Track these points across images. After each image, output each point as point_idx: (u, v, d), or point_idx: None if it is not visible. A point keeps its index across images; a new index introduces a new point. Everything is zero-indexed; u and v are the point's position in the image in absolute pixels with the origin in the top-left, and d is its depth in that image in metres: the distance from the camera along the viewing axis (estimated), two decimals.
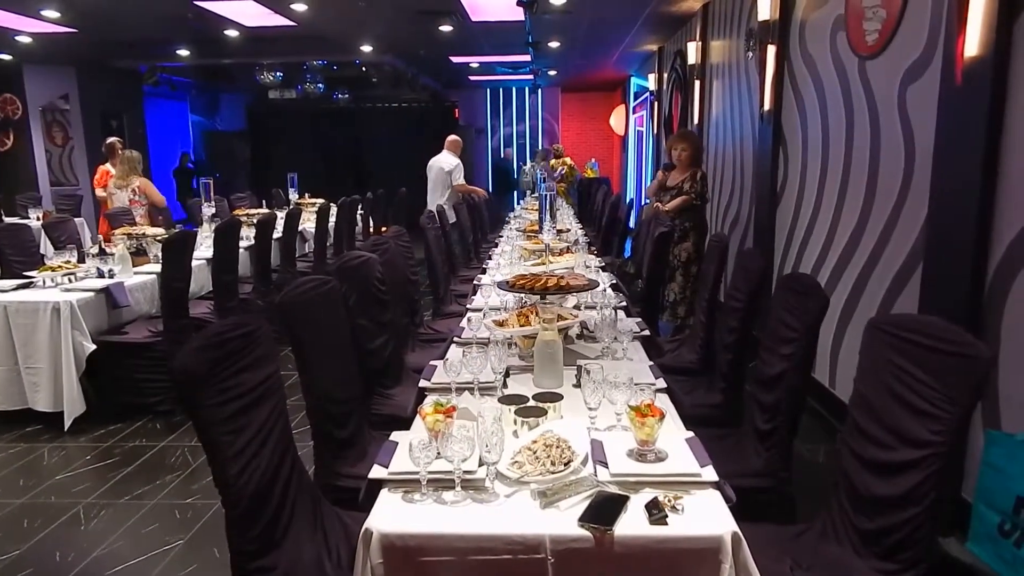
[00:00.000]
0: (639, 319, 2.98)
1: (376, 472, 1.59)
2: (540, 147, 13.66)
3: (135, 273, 4.43)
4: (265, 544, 1.66)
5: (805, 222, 4.20)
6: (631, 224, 7.69)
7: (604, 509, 1.40)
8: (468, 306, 3.34)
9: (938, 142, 2.73)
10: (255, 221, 5.57)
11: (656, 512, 1.38)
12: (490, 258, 4.87)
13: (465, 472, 1.51)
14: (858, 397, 1.77)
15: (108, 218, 5.79)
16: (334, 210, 7.10)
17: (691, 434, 1.76)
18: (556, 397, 1.90)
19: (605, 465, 1.58)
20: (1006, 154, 2.39)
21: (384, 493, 1.54)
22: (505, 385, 2.17)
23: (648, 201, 5.83)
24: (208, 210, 5.93)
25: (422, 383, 2.24)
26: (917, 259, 2.96)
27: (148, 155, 10.70)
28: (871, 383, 1.73)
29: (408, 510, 1.47)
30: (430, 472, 1.51)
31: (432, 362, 2.42)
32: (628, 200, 8.05)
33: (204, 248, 5.16)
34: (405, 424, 2.53)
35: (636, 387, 1.78)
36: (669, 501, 1.43)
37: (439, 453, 1.52)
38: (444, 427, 1.60)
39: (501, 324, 2.36)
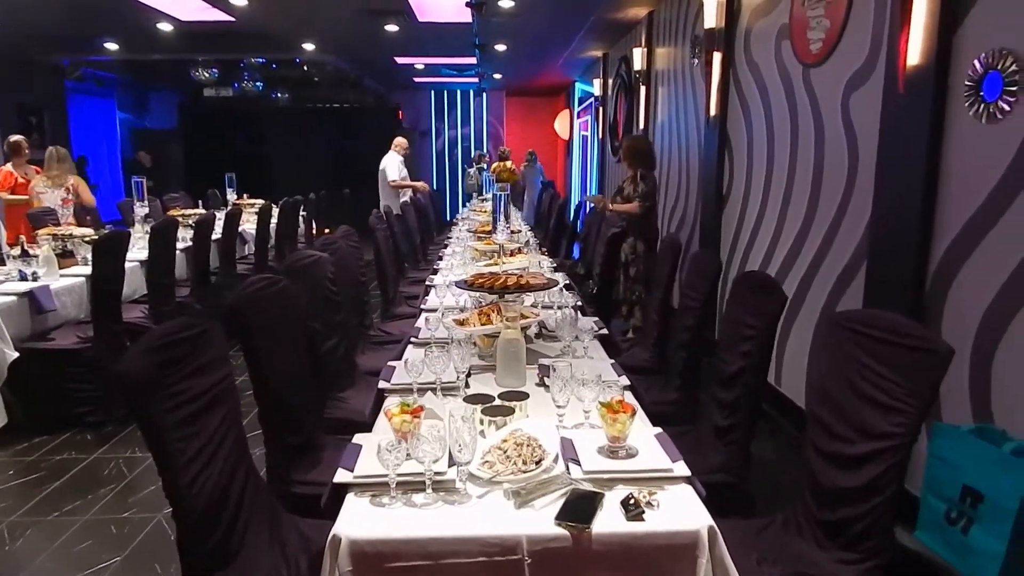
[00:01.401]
0: (596, 318, 2.98)
1: (341, 476, 1.52)
2: (485, 150, 13.66)
3: (61, 276, 4.16)
4: (219, 557, 1.56)
5: (751, 224, 4.31)
6: (578, 227, 7.73)
7: (580, 507, 1.38)
8: (422, 306, 3.28)
9: (881, 147, 2.84)
10: (192, 222, 5.34)
11: (632, 508, 1.37)
12: (440, 259, 4.80)
13: (435, 473, 1.46)
14: (819, 393, 1.81)
15: (30, 218, 5.44)
16: (275, 211, 6.90)
17: (659, 430, 1.75)
18: (522, 396, 1.87)
19: (577, 463, 1.55)
20: (946, 158, 2.50)
21: (350, 498, 1.47)
22: (467, 385, 2.12)
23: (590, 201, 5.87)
24: (141, 210, 5.65)
25: (382, 384, 2.17)
26: (861, 260, 3.06)
27: (72, 155, 10.14)
28: (832, 379, 1.77)
29: (377, 514, 1.41)
30: (398, 474, 1.45)
31: (390, 363, 2.35)
32: (575, 204, 8.10)
33: (138, 249, 4.91)
34: (360, 428, 2.45)
35: (604, 384, 1.77)
36: (644, 497, 1.42)
37: (408, 454, 1.46)
38: (412, 428, 1.54)
39: (462, 323, 2.31)
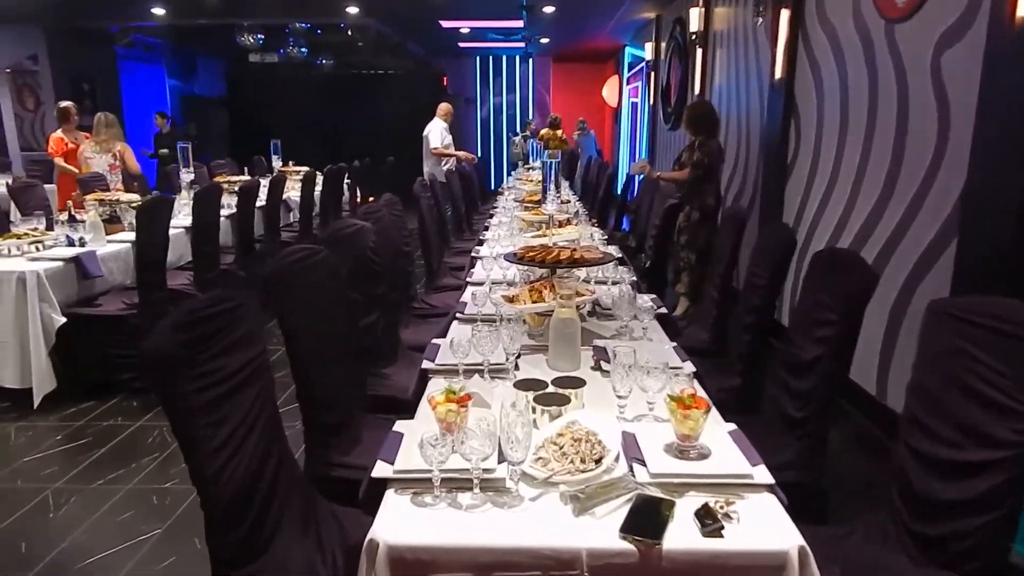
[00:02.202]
0: (652, 295, 2.79)
1: (380, 470, 1.39)
2: (531, 118, 13.35)
3: (108, 242, 4.14)
4: (249, 550, 1.45)
5: (818, 197, 4.01)
6: (628, 198, 7.46)
7: (648, 517, 1.21)
8: (468, 279, 3.12)
9: (981, 113, 2.54)
10: (237, 188, 5.28)
11: (709, 522, 1.20)
12: (486, 229, 4.64)
13: (484, 471, 1.31)
14: (918, 388, 1.59)
15: (80, 184, 5.46)
16: (320, 178, 6.82)
17: (733, 427, 1.57)
18: (578, 382, 1.70)
19: (643, 463, 1.38)
20: None
21: (390, 495, 1.34)
22: (517, 368, 1.97)
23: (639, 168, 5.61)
24: (187, 176, 5.62)
25: (425, 364, 2.03)
26: (947, 239, 2.78)
27: (124, 122, 10.26)
28: (934, 373, 1.55)
29: (419, 516, 1.27)
30: (443, 471, 1.31)
31: (434, 340, 2.21)
32: (623, 174, 7.82)
33: (183, 216, 4.88)
34: (403, 407, 2.33)
35: (671, 373, 1.59)
36: (721, 508, 1.24)
37: (454, 449, 1.32)
38: (458, 419, 1.40)
39: (511, 300, 2.15)
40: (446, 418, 1.41)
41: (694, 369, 1.90)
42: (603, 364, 1.93)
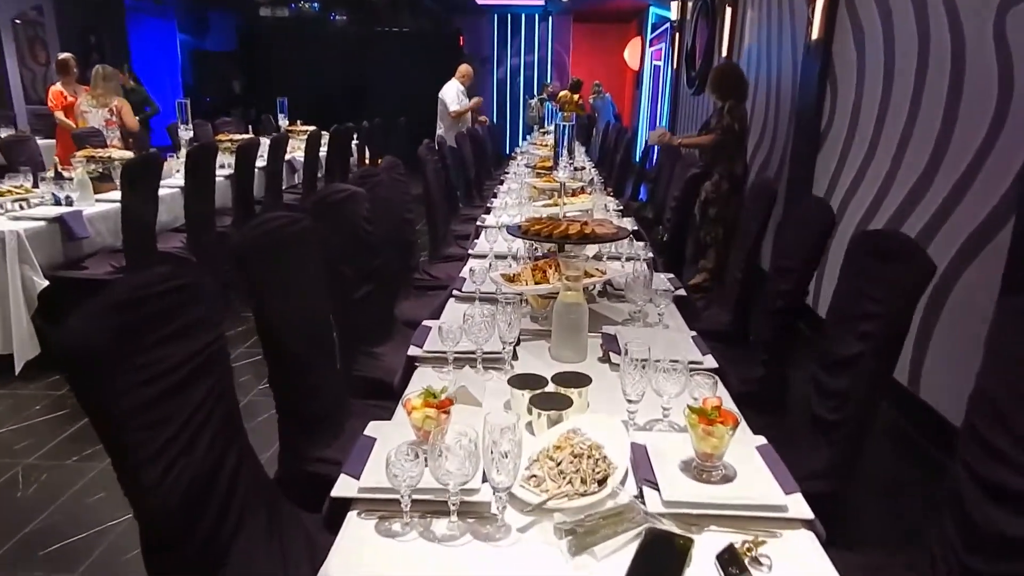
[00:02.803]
0: (670, 275, 2.55)
1: (342, 487, 1.18)
2: (549, 80, 12.93)
3: (97, 201, 3.94)
4: (201, 566, 1.26)
5: (854, 170, 3.71)
6: (648, 166, 7.15)
7: (659, 560, 1.00)
8: (470, 251, 2.89)
9: None
10: (236, 147, 5.05)
11: (735, 571, 0.98)
12: (495, 196, 4.39)
13: (463, 491, 1.10)
14: (982, 400, 1.35)
15: (74, 139, 5.25)
16: (326, 138, 6.56)
17: (762, 440, 1.34)
18: (583, 380, 1.48)
19: (655, 486, 1.17)
20: None
21: (352, 517, 1.13)
22: (515, 356, 1.75)
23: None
24: (186, 134, 5.38)
25: (412, 350, 1.82)
26: (1001, 220, 2.50)
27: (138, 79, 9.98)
28: (1004, 384, 1.31)
29: (384, 548, 1.06)
30: (415, 490, 1.09)
31: (425, 322, 1.98)
32: (643, 140, 7.49)
33: (180, 175, 4.67)
34: (393, 392, 2.14)
35: (690, 374, 1.36)
36: (749, 550, 1.02)
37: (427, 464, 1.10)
38: (437, 427, 1.18)
39: (512, 279, 1.92)
40: (423, 426, 1.19)
41: (716, 365, 1.66)
42: (612, 356, 1.70)
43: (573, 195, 3.78)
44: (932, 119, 2.99)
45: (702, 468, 1.20)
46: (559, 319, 1.72)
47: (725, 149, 4.62)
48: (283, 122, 7.54)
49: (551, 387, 1.46)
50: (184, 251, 4.12)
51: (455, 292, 2.21)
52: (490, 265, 2.06)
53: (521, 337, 1.85)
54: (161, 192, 4.25)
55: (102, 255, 3.80)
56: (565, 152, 3.16)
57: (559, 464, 1.18)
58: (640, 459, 1.24)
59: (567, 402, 1.39)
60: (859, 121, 3.69)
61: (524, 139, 10.01)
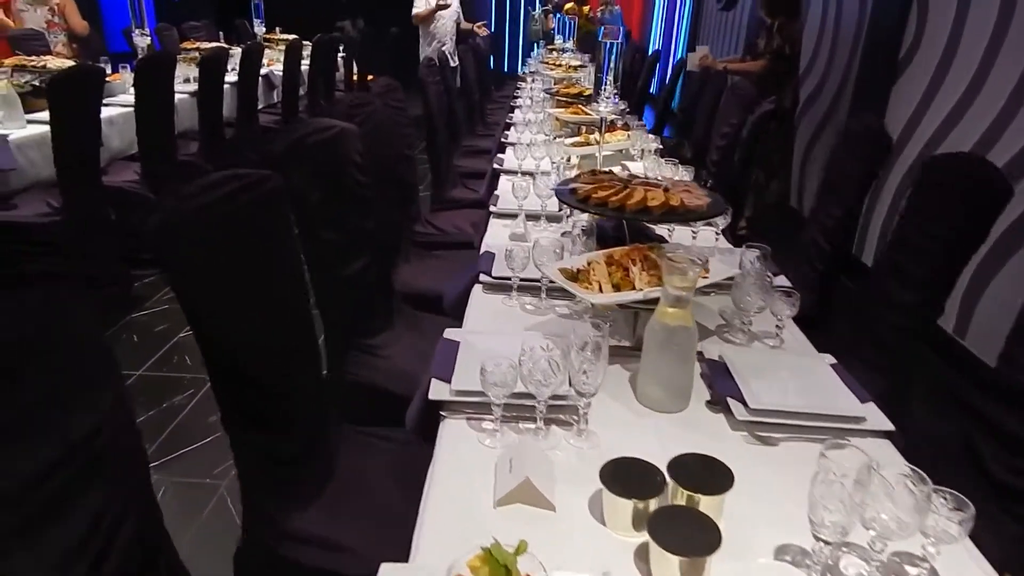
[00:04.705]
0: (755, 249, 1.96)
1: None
2: None
3: (29, 123, 3.23)
4: None
5: (946, 107, 3.07)
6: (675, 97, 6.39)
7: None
8: (492, 207, 2.27)
9: None
10: (200, 58, 4.28)
11: None
12: (508, 128, 3.72)
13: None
14: None
15: (10, 42, 4.45)
16: (308, 50, 5.75)
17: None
18: (718, 475, 0.91)
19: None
20: None
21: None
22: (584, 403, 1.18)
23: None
24: (141, 40, 4.58)
25: (435, 392, 1.21)
26: None
27: None
28: None
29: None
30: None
31: (447, 334, 1.38)
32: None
33: (132, 92, 3.93)
34: (401, 405, 1.60)
35: (936, 493, 0.80)
36: None
37: None
38: None
39: (576, 276, 1.32)
40: None
41: (891, 427, 1.11)
42: (733, 405, 1.14)
43: (609, 130, 3.15)
44: None
45: None
46: (656, 348, 1.14)
47: (774, 76, 3.96)
48: (259, 29, 6.65)
49: (670, 487, 0.90)
50: (139, 185, 3.46)
51: (483, 278, 1.62)
52: (534, 250, 1.46)
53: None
54: (112, 112, 3.57)
55: (36, 190, 3.13)
56: (610, 79, 2.51)
57: None
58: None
59: (713, 537, 0.82)
60: (959, 48, 3.02)
61: (528, 56, 9.09)
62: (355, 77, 7.24)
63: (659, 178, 1.74)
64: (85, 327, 0.78)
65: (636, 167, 2.89)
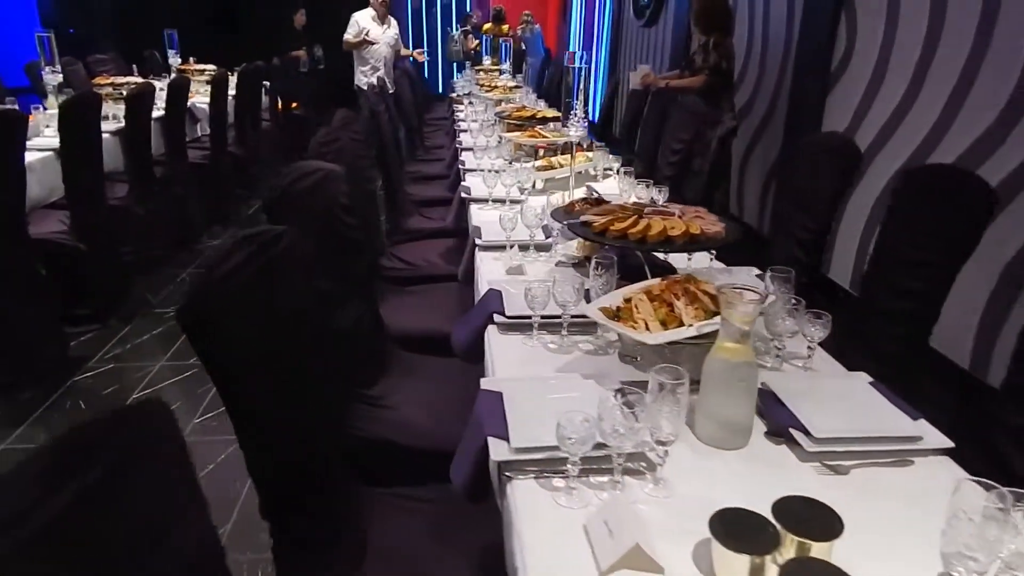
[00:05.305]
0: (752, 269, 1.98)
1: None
2: (470, 10, 11.88)
3: None
4: None
5: (881, 118, 3.24)
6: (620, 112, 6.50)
7: None
8: (477, 240, 2.19)
9: None
10: (124, 94, 4.02)
11: None
12: (461, 152, 3.65)
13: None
14: None
15: None
16: (232, 80, 5.51)
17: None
18: (825, 517, 0.88)
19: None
20: None
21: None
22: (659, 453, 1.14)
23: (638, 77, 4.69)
24: (53, 77, 4.26)
25: (496, 456, 1.12)
26: None
27: None
28: None
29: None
30: None
31: (486, 385, 1.29)
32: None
33: (50, 132, 3.64)
34: (413, 461, 1.52)
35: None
36: None
37: None
38: None
39: (616, 314, 1.27)
40: None
41: (949, 443, 1.12)
42: (800, 437, 1.12)
43: (563, 152, 3.15)
44: (1007, 48, 2.52)
45: None
46: (717, 384, 1.12)
47: (712, 91, 4.08)
48: (174, 60, 6.33)
49: (785, 539, 0.86)
50: (67, 236, 3.19)
51: (498, 318, 1.55)
52: (554, 281, 1.41)
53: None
54: (31, 158, 3.27)
55: None
56: (580, 102, 2.51)
57: None
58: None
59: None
60: (892, 53, 3.19)
61: (455, 77, 9.06)
62: (279, 107, 7.00)
63: (675, 208, 1.70)
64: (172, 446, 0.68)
65: (601, 187, 2.90)
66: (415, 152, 5.10)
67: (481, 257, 2.08)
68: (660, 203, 2.09)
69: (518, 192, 2.66)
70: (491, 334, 1.56)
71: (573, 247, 2.07)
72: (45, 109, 4.05)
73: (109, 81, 4.92)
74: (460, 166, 3.33)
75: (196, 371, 2.90)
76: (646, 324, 1.22)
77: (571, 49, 11.46)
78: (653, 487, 1.04)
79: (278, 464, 1.12)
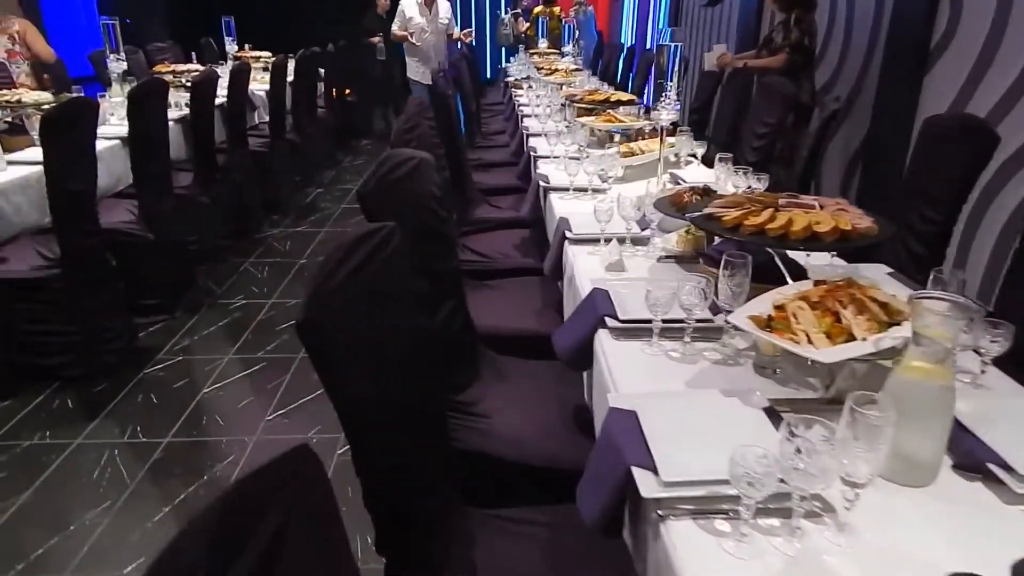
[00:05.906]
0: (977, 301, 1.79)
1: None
2: None
3: (9, 164, 2.91)
4: None
5: (989, 102, 2.96)
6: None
7: None
8: (567, 232, 2.03)
9: None
10: (187, 81, 3.98)
11: None
12: (532, 138, 3.50)
13: None
14: None
15: None
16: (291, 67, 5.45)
17: None
18: None
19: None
20: None
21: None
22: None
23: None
24: (117, 65, 4.24)
25: (647, 492, 0.97)
26: None
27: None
28: None
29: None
30: None
31: (615, 403, 1.14)
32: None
33: (116, 120, 3.62)
34: (515, 477, 1.40)
35: None
36: None
37: None
38: None
39: (769, 324, 1.11)
40: None
41: None
42: (1000, 473, 0.95)
43: (639, 138, 2.98)
44: None
45: None
46: (907, 411, 0.94)
47: (792, 71, 3.84)
48: (231, 47, 6.31)
49: None
50: (136, 225, 3.16)
51: (610, 323, 1.40)
52: (679, 285, 1.26)
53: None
54: (99, 146, 3.24)
55: (25, 239, 2.82)
56: (674, 82, 2.33)
57: None
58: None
59: None
60: (1007, 31, 2.91)
61: (508, 61, 8.88)
62: (335, 94, 6.95)
63: (815, 200, 1.52)
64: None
65: (683, 174, 2.72)
66: (474, 139, 4.96)
67: (573, 251, 1.93)
68: (758, 192, 1.92)
69: (598, 180, 2.51)
70: (603, 339, 1.41)
71: (673, 240, 1.91)
72: (109, 98, 4.04)
73: (170, 69, 4.91)
74: (532, 152, 3.17)
75: (265, 365, 2.84)
76: (808, 337, 1.05)
77: (623, 31, 11.16)
78: (835, 534, 0.89)
79: (389, 476, 1.00)
